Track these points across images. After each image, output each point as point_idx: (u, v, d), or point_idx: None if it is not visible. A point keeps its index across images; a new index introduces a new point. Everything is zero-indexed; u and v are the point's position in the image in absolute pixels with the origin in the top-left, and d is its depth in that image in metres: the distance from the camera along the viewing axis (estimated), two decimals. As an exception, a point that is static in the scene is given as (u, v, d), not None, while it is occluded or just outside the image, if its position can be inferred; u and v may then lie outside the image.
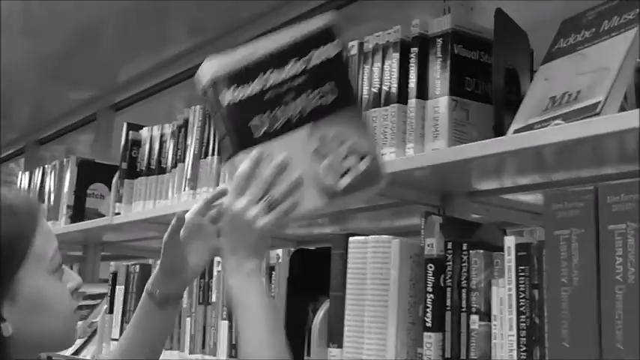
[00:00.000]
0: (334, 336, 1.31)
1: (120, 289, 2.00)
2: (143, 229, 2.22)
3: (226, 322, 1.59)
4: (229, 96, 1.03)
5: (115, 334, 1.98)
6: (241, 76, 1.02)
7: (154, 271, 1.18)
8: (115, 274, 2.03)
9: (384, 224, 1.95)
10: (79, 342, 2.25)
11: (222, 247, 1.07)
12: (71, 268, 3.95)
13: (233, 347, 1.56)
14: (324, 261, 1.38)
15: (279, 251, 1.48)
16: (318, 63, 1.03)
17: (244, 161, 1.02)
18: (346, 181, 1.03)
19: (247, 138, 1.03)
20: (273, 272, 1.48)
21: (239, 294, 1.03)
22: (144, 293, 1.17)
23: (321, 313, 1.34)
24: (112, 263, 2.06)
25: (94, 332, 2.19)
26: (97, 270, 2.91)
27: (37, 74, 3.07)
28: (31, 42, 2.73)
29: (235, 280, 1.03)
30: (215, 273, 1.64)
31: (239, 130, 1.03)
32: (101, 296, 2.35)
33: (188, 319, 1.71)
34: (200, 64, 1.05)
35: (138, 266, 1.94)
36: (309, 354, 1.35)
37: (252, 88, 1.02)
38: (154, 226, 2.09)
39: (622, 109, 1.01)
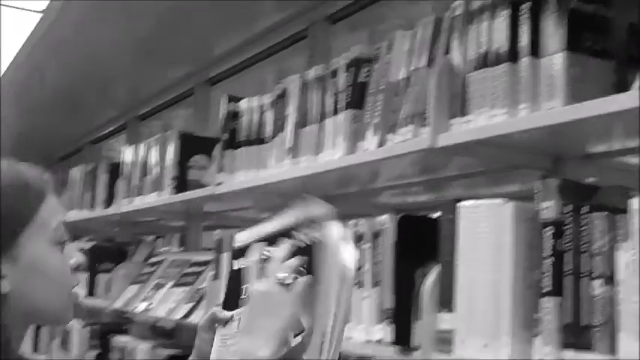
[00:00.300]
0: (445, 301, 1.29)
1: (225, 256, 2.04)
2: (244, 199, 2.26)
3: (332, 288, 1.59)
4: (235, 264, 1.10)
5: (221, 299, 2.02)
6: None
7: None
8: (219, 242, 2.07)
9: (479, 191, 1.91)
10: (187, 307, 2.33)
11: None
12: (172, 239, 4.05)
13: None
14: (430, 227, 1.36)
15: (385, 217, 1.47)
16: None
17: None
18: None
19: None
20: (379, 238, 1.48)
21: None
22: None
23: (430, 279, 1.33)
24: (217, 231, 2.11)
25: (201, 298, 2.26)
26: (200, 240, 3.00)
27: (135, 53, 3.16)
28: (128, 22, 2.81)
29: None
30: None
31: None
32: (206, 263, 2.41)
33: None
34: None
35: (241, 234, 1.96)
36: (418, 318, 1.34)
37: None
38: (255, 195, 2.13)
39: None
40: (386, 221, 1.47)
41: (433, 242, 1.34)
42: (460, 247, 1.26)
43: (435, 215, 1.41)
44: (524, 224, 1.18)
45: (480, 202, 1.24)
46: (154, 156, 2.79)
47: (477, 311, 1.22)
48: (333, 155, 1.64)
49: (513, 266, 1.17)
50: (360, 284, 1.51)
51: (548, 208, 1.12)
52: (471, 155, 1.36)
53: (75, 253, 1.07)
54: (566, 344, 1.08)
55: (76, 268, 1.07)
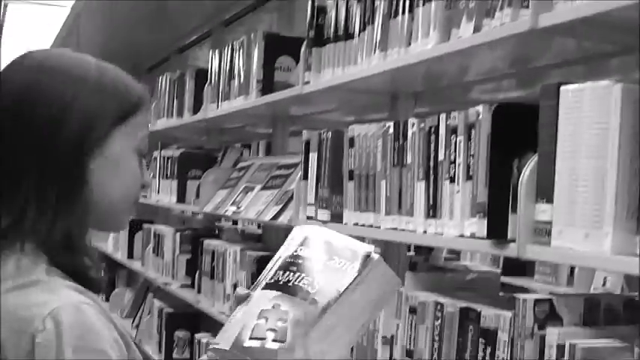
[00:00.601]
0: (543, 191, 1.24)
1: (313, 156, 2.03)
2: (331, 99, 2.23)
3: (423, 182, 1.56)
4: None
5: (311, 199, 2.03)
6: None
7: None
8: (307, 142, 2.06)
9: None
10: (275, 208, 2.36)
11: None
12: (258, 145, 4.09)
13: (430, 208, 1.54)
14: (528, 116, 1.30)
15: (479, 107, 1.41)
16: None
17: None
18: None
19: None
20: (473, 130, 1.42)
21: None
22: None
23: (528, 169, 1.28)
24: (305, 131, 2.09)
25: (289, 199, 2.27)
26: (286, 145, 3.01)
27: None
28: None
29: None
30: (410, 134, 1.61)
31: None
32: (294, 165, 2.42)
33: (382, 181, 1.70)
34: None
35: (330, 132, 1.95)
36: (514, 210, 1.30)
37: None
38: (343, 93, 2.09)
39: None
40: (481, 112, 1.41)
41: (531, 132, 1.28)
42: (561, 134, 1.20)
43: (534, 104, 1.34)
44: (632, 106, 1.11)
45: (584, 84, 1.16)
46: (239, 60, 2.78)
47: (577, 201, 1.17)
48: (426, 45, 1.58)
49: (619, 152, 1.10)
50: (452, 179, 1.48)
51: (662, 86, 1.04)
52: (575, 36, 1.27)
53: (146, 174, 1.09)
54: (677, 232, 1.02)
55: (143, 187, 1.09)
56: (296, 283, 0.99)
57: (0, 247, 0.95)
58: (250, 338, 0.94)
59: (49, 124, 0.96)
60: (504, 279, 1.77)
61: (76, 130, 0.97)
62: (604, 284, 2.19)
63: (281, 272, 1.01)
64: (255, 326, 0.95)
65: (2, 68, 1.02)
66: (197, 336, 3.14)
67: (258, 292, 1.01)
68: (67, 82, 0.98)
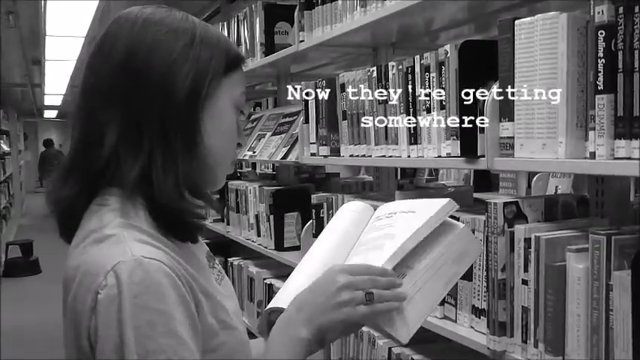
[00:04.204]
0: (505, 112, 1.21)
1: (311, 102, 1.99)
2: (324, 52, 2.18)
3: (404, 115, 1.53)
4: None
5: (312, 138, 2.00)
6: None
7: None
8: (306, 92, 2.02)
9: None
10: (284, 150, 2.33)
11: (299, 296, 0.89)
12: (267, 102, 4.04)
13: (412, 136, 1.51)
14: (489, 50, 1.26)
15: (447, 47, 1.36)
16: None
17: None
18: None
19: None
20: (443, 67, 1.38)
21: (274, 347, 0.86)
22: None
23: (491, 95, 1.24)
24: (302, 83, 2.05)
25: (295, 141, 2.24)
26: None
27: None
28: None
29: (279, 335, 0.86)
30: (390, 76, 1.57)
31: None
32: (297, 113, 2.39)
33: (370, 118, 1.67)
34: None
35: (324, 81, 1.90)
36: (482, 131, 1.27)
37: None
38: (333, 48, 2.04)
39: None
40: (449, 50, 1.36)
41: (492, 63, 1.24)
42: (517, 62, 1.16)
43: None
44: (576, 33, 1.06)
45: (535, 17, 1.12)
46: (244, 29, 2.71)
47: (534, 117, 1.14)
48: (398, -1, 1.52)
49: (567, 72, 1.07)
50: (428, 110, 1.45)
51: (601, 11, 0.99)
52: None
53: (242, 133, 0.97)
54: (619, 134, 0.99)
55: (239, 145, 0.96)
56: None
57: (102, 199, 0.85)
58: None
59: (163, 77, 0.84)
60: (475, 195, 1.75)
61: (189, 81, 0.85)
62: (555, 192, 2.18)
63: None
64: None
65: (108, 25, 0.89)
66: (229, 260, 3.16)
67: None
68: (176, 36, 0.86)
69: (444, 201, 0.96)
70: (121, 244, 0.79)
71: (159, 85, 0.84)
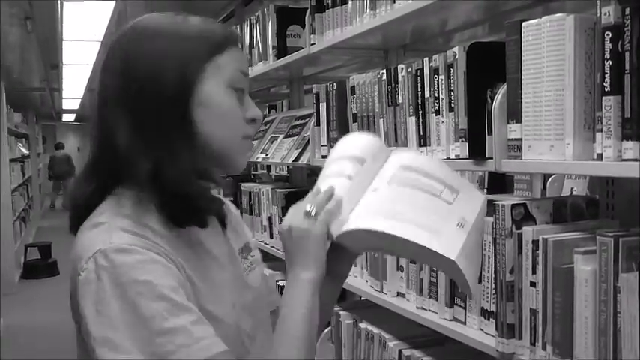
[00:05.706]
0: (513, 114, 1.21)
1: (323, 105, 2.00)
2: (336, 55, 2.18)
3: (413, 117, 1.54)
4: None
5: (324, 141, 2.01)
6: None
7: None
8: (317, 94, 2.03)
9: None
10: (296, 152, 2.34)
11: (286, 261, 0.98)
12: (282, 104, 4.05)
13: (421, 138, 1.52)
14: (497, 52, 1.26)
15: (455, 49, 1.37)
16: None
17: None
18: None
19: None
20: (451, 69, 1.39)
21: (287, 300, 0.95)
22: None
23: (499, 97, 1.24)
24: (314, 85, 2.06)
25: (307, 143, 2.25)
26: (302, 100, 2.97)
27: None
28: None
29: (289, 289, 0.96)
30: (400, 78, 1.58)
31: None
32: (309, 116, 2.40)
33: (380, 120, 1.68)
34: None
35: (335, 84, 1.92)
36: (490, 132, 1.28)
37: None
38: (344, 51, 2.05)
39: None
40: (457, 52, 1.37)
41: (500, 65, 1.24)
42: (525, 64, 1.16)
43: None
44: (583, 35, 1.06)
45: (542, 19, 1.12)
46: (257, 32, 2.73)
47: (541, 119, 1.14)
48: (407, 1, 1.53)
49: (574, 74, 1.07)
50: (437, 112, 1.45)
51: (608, 12, 0.99)
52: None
53: (253, 108, 0.97)
54: (626, 136, 0.99)
55: (253, 121, 0.97)
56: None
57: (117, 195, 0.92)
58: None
59: (152, 79, 0.89)
60: (489, 197, 1.75)
61: (172, 78, 0.89)
62: (570, 194, 2.16)
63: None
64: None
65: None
66: (243, 262, 3.17)
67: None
68: (157, 38, 0.92)
69: (482, 200, 1.03)
70: (108, 231, 0.86)
71: (149, 86, 0.90)
